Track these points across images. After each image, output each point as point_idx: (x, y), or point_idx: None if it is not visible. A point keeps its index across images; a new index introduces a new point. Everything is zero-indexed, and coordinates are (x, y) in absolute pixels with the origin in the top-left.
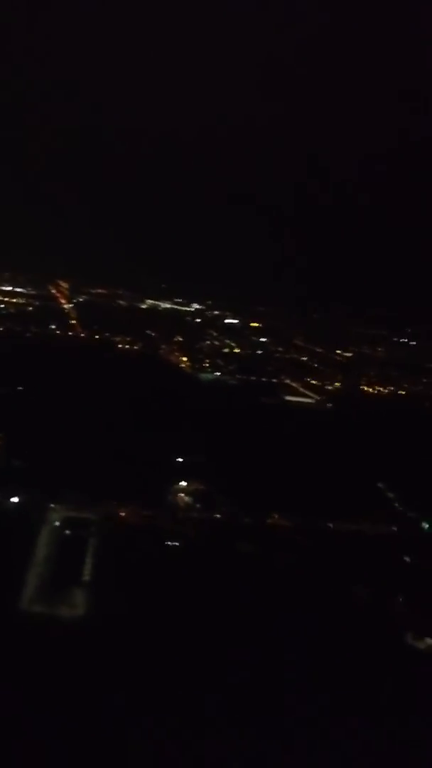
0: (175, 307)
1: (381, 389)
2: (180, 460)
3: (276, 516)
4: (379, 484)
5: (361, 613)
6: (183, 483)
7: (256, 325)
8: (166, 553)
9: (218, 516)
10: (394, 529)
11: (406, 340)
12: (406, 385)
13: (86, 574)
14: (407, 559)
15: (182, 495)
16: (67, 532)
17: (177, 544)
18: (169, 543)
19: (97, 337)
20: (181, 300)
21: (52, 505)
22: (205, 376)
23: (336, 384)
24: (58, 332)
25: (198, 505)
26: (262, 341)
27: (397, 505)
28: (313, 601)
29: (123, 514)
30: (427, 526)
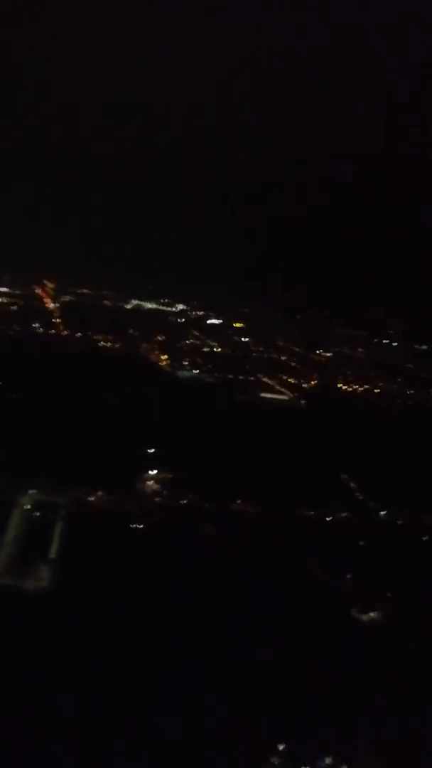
0: (160, 307)
1: (356, 387)
2: (151, 451)
3: (239, 502)
4: (343, 476)
5: (314, 589)
6: (152, 472)
7: (239, 325)
8: (129, 534)
9: (184, 502)
10: (353, 516)
11: (388, 341)
12: (381, 384)
13: (52, 552)
14: (361, 543)
15: (150, 483)
16: (37, 514)
17: (141, 526)
18: (133, 525)
19: (78, 335)
20: (166, 301)
21: (24, 491)
22: (183, 374)
23: (312, 382)
24: (40, 330)
25: (165, 492)
26: (244, 341)
27: (358, 495)
28: (269, 578)
29: (91, 499)
30: (383, 514)
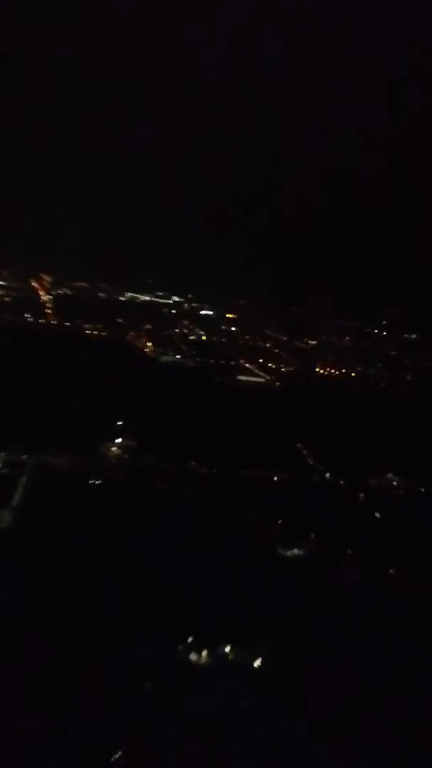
0: (154, 299)
1: (333, 372)
2: (119, 423)
3: (194, 464)
4: (298, 444)
5: (247, 532)
6: (117, 440)
7: (231, 316)
8: (87, 488)
9: (142, 464)
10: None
11: (376, 331)
12: (359, 369)
13: (15, 500)
14: (301, 497)
15: (114, 449)
16: (5, 471)
17: (99, 482)
18: (91, 481)
19: (67, 324)
20: (161, 293)
21: None
22: (165, 358)
23: (290, 367)
24: (30, 320)
25: (126, 456)
26: (233, 330)
27: (309, 460)
28: (210, 525)
29: (56, 460)
30: (328, 475)
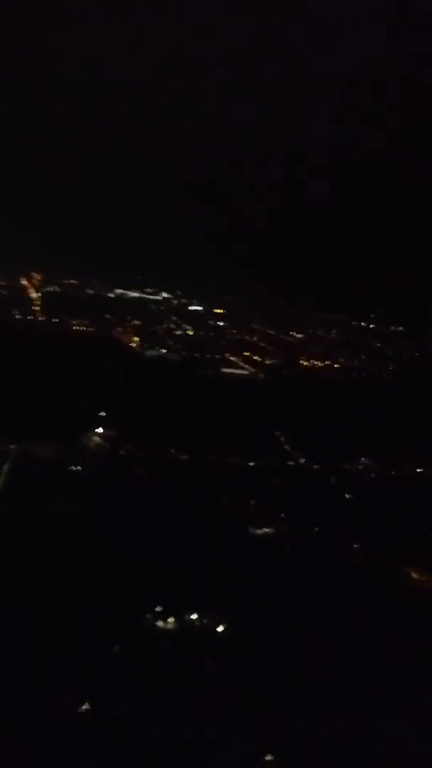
0: (144, 296)
1: (316, 363)
2: (102, 414)
3: (173, 451)
4: (276, 432)
5: (220, 513)
6: (99, 430)
7: (219, 311)
8: (67, 474)
9: (122, 453)
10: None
11: (363, 324)
12: (342, 360)
13: None
14: (275, 480)
15: (95, 438)
16: None
17: (79, 468)
18: (71, 467)
19: (55, 320)
20: (150, 290)
21: None
22: (150, 353)
23: (274, 360)
24: (18, 317)
25: (107, 445)
26: (220, 325)
27: (286, 447)
28: (187, 509)
29: (39, 449)
30: (303, 461)
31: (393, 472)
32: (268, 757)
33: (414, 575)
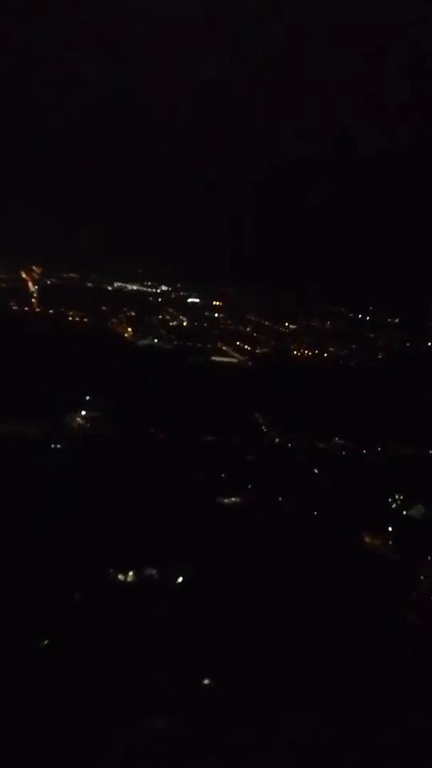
0: (143, 288)
1: (307, 352)
2: (87, 398)
3: (153, 431)
4: (256, 414)
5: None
6: (83, 412)
7: (217, 303)
8: (49, 451)
9: (102, 432)
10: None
11: (360, 316)
12: (332, 349)
13: None
14: (248, 457)
15: (78, 419)
16: None
17: (60, 446)
18: (53, 445)
19: (51, 311)
20: (150, 283)
21: None
22: (142, 342)
23: (265, 349)
24: (15, 308)
25: (89, 425)
26: (216, 316)
27: (263, 428)
28: (160, 480)
29: (24, 428)
30: (277, 440)
31: (364, 451)
32: (206, 681)
33: (367, 539)
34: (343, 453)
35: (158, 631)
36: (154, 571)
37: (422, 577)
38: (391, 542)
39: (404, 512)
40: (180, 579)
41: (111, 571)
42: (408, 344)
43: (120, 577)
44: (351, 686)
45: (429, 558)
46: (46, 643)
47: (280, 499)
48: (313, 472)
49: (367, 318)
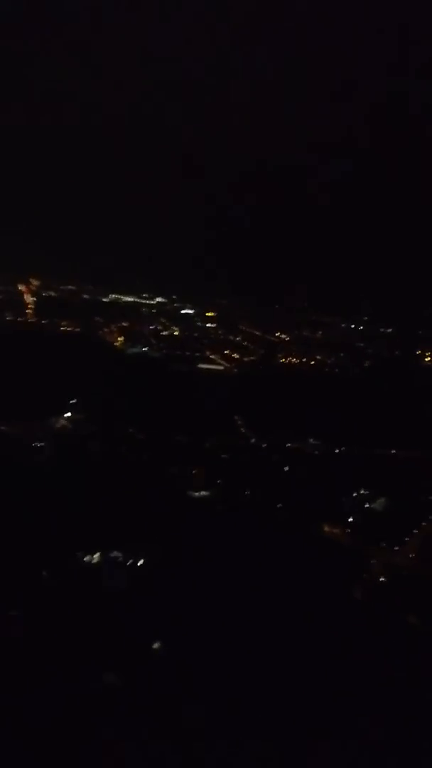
0: (138, 300)
1: (293, 360)
2: (72, 402)
3: (131, 430)
4: (235, 416)
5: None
6: (67, 414)
7: (210, 314)
8: (30, 449)
9: (83, 432)
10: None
11: (353, 326)
12: (318, 358)
13: None
14: (223, 456)
15: (62, 420)
16: None
17: (42, 444)
18: (35, 444)
19: (44, 322)
20: (146, 294)
21: None
22: (131, 350)
23: (252, 357)
24: (8, 318)
25: (70, 426)
26: (208, 326)
27: (242, 429)
28: (134, 475)
29: (9, 429)
30: (253, 440)
31: (336, 450)
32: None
33: (326, 528)
34: (316, 452)
35: (120, 603)
36: (118, 553)
37: (373, 561)
38: (349, 531)
39: (366, 505)
40: (141, 561)
41: (78, 553)
42: (397, 353)
43: (86, 558)
44: (302, 658)
45: (383, 545)
46: (15, 614)
47: (247, 492)
48: (283, 469)
49: (360, 328)
